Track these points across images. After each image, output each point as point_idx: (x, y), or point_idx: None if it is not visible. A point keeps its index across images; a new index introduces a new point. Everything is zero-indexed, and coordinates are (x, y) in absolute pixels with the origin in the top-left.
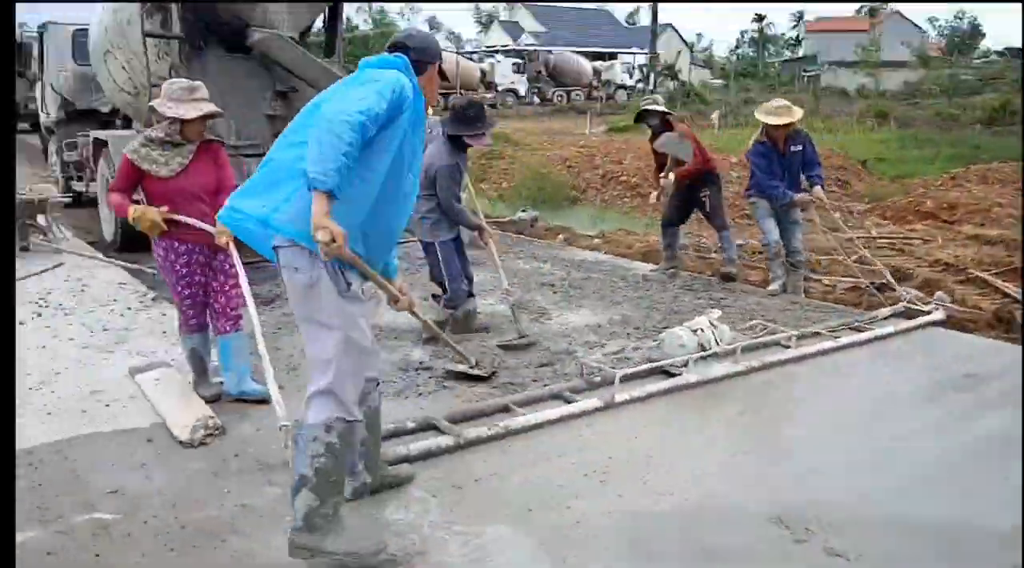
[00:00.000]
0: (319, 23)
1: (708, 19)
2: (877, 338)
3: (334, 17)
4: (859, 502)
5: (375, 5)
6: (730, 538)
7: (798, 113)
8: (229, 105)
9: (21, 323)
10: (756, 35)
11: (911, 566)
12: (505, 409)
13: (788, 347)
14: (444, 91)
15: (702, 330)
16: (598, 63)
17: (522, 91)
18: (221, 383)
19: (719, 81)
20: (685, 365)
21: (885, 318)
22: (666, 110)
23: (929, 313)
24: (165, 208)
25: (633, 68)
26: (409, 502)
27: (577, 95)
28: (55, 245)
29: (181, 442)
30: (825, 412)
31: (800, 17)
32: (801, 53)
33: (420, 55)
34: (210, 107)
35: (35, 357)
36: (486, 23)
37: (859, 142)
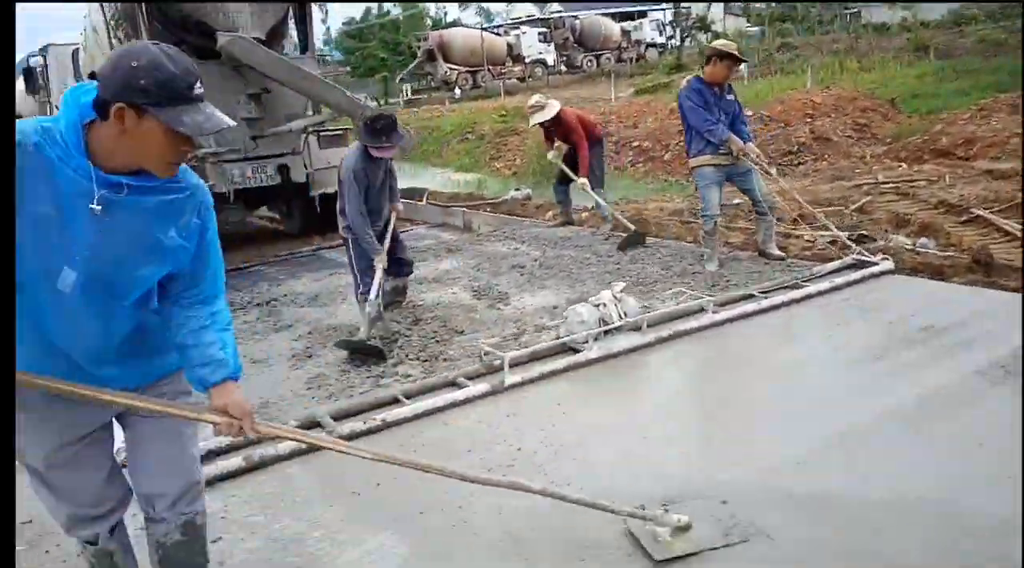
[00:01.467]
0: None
1: None
2: (812, 295)
3: (304, 12)
4: (765, 477)
5: None
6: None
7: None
8: None
9: None
10: None
11: (829, 544)
12: (395, 401)
13: (706, 312)
14: (472, 70)
15: (604, 304)
16: (627, 23)
17: (550, 61)
18: None
19: (755, 28)
20: (586, 342)
21: (829, 272)
22: (549, 118)
23: (876, 264)
24: None
25: (664, 24)
26: (295, 507)
27: (607, 59)
28: None
29: None
30: (733, 380)
31: None
32: None
33: (105, 90)
34: None
35: None
36: None
37: (895, 79)
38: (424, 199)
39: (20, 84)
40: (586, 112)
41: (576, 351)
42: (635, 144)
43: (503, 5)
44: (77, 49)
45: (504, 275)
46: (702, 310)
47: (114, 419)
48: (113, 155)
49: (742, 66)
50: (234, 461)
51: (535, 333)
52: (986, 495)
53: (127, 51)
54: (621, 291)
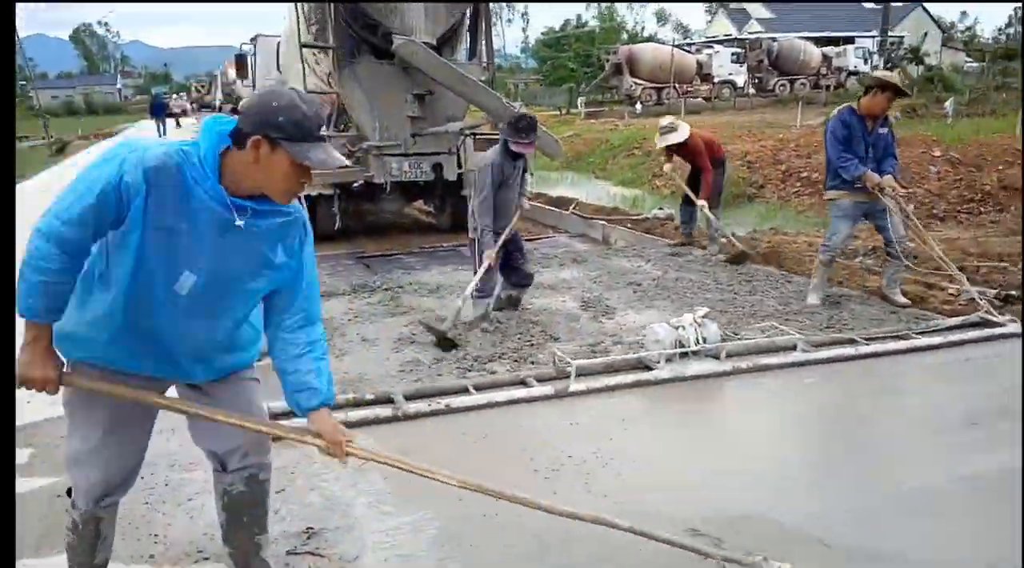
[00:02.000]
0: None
1: None
2: (919, 348)
3: (475, 20)
4: (786, 523)
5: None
6: (636, 548)
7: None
8: (375, 107)
9: None
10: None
11: None
12: (464, 390)
13: (795, 350)
14: (658, 86)
15: (684, 327)
16: (829, 48)
17: (740, 82)
18: None
19: (974, 64)
20: (659, 362)
21: (947, 328)
22: (683, 138)
23: (1003, 325)
24: None
25: (871, 53)
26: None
27: (802, 84)
28: None
29: None
30: (804, 423)
31: None
32: None
33: (245, 123)
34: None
35: None
36: (714, 12)
37: None
38: (570, 209)
39: (231, 70)
40: (713, 135)
41: (649, 369)
42: (804, 175)
43: (702, 23)
44: (280, 42)
45: (618, 290)
46: (793, 347)
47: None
48: (242, 180)
49: (947, 103)
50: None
51: (613, 346)
52: None
53: (269, 92)
54: (703, 316)
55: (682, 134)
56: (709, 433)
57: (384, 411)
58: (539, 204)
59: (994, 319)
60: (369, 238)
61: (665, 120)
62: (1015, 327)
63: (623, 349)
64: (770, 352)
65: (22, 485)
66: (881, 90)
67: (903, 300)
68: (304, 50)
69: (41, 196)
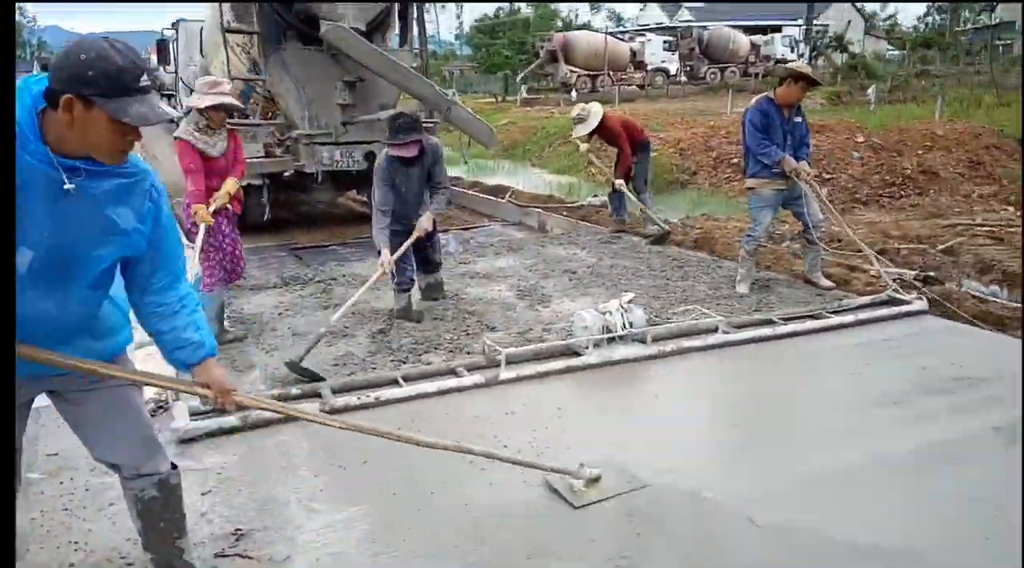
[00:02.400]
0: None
1: None
2: (833, 327)
3: (406, 6)
4: (709, 497)
5: None
6: (566, 531)
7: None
8: (304, 95)
9: None
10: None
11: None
12: (394, 382)
13: (717, 332)
14: (593, 74)
15: (610, 312)
16: (757, 37)
17: (672, 70)
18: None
19: (896, 52)
20: (587, 347)
21: (858, 307)
22: (592, 126)
23: (909, 303)
24: (211, 208)
25: (796, 41)
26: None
27: (732, 72)
28: None
29: None
30: (724, 400)
31: None
32: (996, 20)
33: (55, 81)
34: (224, 99)
35: None
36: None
37: None
38: (506, 197)
39: (153, 56)
40: (630, 118)
41: (578, 355)
42: (734, 161)
43: (635, 11)
44: (203, 27)
45: (553, 278)
46: (715, 330)
47: (46, 394)
48: (64, 142)
49: (869, 90)
50: (231, 419)
51: (543, 333)
52: (954, 552)
53: (77, 44)
54: (629, 301)
55: (593, 121)
56: (636, 416)
57: (311, 406)
58: (475, 193)
59: (901, 298)
60: (301, 229)
61: (575, 110)
62: (921, 304)
63: (553, 336)
64: (693, 335)
65: None
66: (795, 80)
67: (826, 283)
68: (228, 35)
69: None
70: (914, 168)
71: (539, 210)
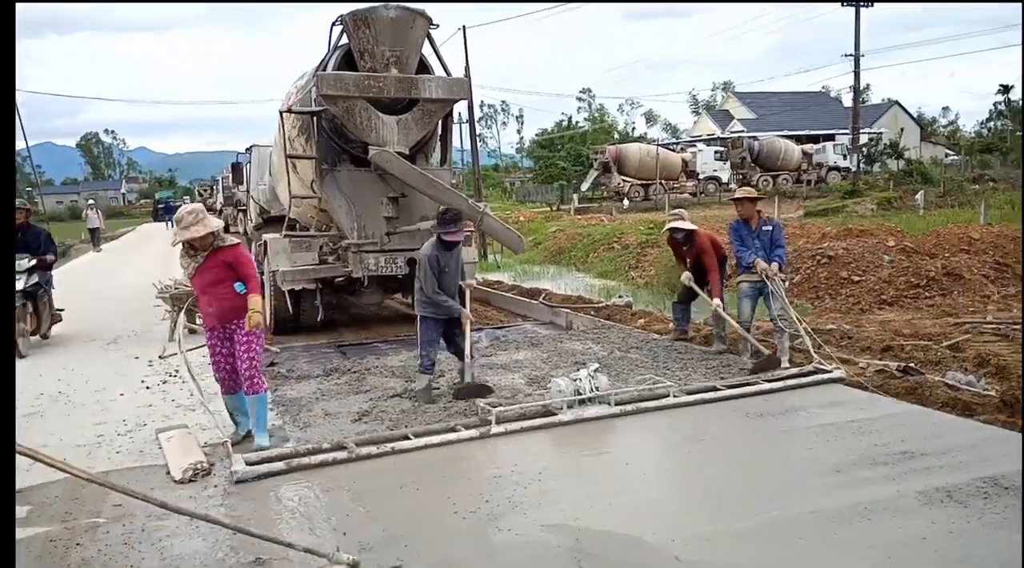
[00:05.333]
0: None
1: (956, 95)
2: (764, 391)
3: (445, 130)
4: (650, 542)
5: (595, 103)
6: None
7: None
8: (354, 209)
9: (161, 382)
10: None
11: None
12: (405, 437)
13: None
14: (645, 182)
15: (580, 379)
16: (809, 146)
17: (724, 178)
18: (236, 433)
19: (955, 157)
20: (562, 408)
21: (789, 375)
22: (690, 228)
23: (829, 371)
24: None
25: (849, 149)
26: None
27: (784, 180)
28: None
29: (175, 480)
30: (670, 454)
31: None
32: None
33: None
34: (200, 230)
35: (140, 411)
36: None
37: None
38: (540, 299)
39: (229, 176)
40: (717, 235)
41: (554, 414)
42: None
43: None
44: (271, 151)
45: (563, 368)
46: (667, 394)
47: None
48: None
49: (918, 196)
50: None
51: (526, 397)
52: None
53: None
54: (595, 370)
55: (688, 224)
56: (599, 466)
57: (340, 454)
58: (512, 295)
59: (824, 368)
60: (350, 328)
61: (675, 211)
62: (840, 374)
63: (533, 399)
64: (650, 399)
65: (20, 533)
66: (739, 202)
67: (785, 363)
68: (290, 159)
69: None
70: (938, 270)
71: (567, 310)
